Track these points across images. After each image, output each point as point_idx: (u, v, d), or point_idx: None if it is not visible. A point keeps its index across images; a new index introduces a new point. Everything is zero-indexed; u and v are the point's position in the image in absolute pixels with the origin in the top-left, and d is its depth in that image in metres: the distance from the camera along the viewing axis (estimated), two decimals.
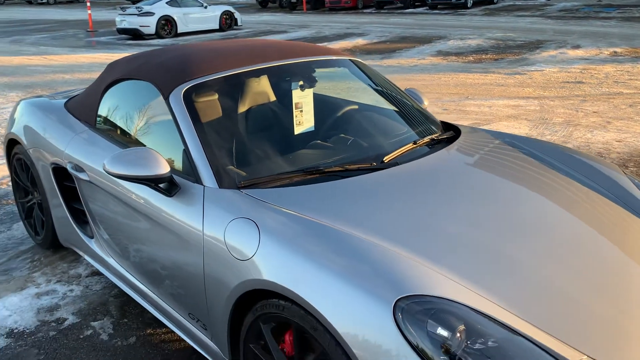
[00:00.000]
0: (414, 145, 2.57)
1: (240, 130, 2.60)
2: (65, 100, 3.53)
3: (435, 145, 2.66)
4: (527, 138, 2.96)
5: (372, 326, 1.58)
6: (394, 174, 2.31)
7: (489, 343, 1.53)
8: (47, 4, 40.40)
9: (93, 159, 2.80)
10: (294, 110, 2.63)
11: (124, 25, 17.65)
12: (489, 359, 1.50)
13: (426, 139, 2.67)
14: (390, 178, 2.28)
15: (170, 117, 2.46)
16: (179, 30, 18.25)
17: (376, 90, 3.09)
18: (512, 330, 1.58)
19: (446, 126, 3.00)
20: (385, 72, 9.58)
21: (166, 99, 2.50)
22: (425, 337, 1.53)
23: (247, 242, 1.93)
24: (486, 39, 14.17)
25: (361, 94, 3.10)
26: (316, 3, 28.59)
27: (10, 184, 4.77)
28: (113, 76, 3.03)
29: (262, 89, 2.83)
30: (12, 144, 3.65)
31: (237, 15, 20.04)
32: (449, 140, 2.73)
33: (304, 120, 2.64)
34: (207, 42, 3.19)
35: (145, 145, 2.62)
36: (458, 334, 1.53)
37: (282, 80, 2.87)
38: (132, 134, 2.79)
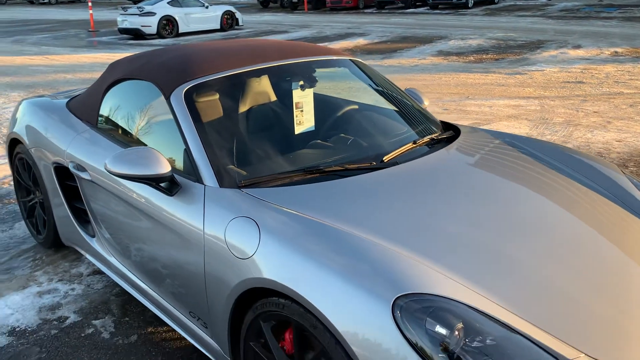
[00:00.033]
0: (414, 145, 2.59)
1: (240, 130, 2.61)
2: (67, 100, 3.54)
3: (435, 145, 2.67)
4: (526, 138, 2.97)
5: (371, 324, 1.59)
6: (393, 174, 2.32)
7: (487, 341, 1.54)
8: (49, 4, 40.46)
9: (95, 159, 2.81)
10: (294, 110, 2.64)
11: (126, 25, 17.67)
12: (487, 356, 1.51)
13: (426, 139, 2.68)
14: (390, 177, 2.29)
15: (171, 116, 2.47)
16: (180, 30, 18.27)
17: (376, 90, 3.10)
18: (511, 328, 1.59)
19: (446, 126, 3.01)
20: (386, 72, 9.59)
21: (167, 98, 2.51)
22: (424, 335, 1.54)
23: (248, 240, 1.94)
24: (487, 39, 14.17)
25: (361, 93, 3.12)
26: (317, 3, 28.60)
27: (12, 183, 4.79)
28: (114, 76, 3.05)
29: (262, 88, 2.85)
30: (14, 143, 3.67)
31: (238, 15, 20.06)
32: (449, 140, 2.74)
33: (304, 120, 2.65)
34: (208, 42, 3.20)
35: (146, 145, 2.63)
36: (456, 332, 1.54)
37: (282, 80, 2.88)
38: (134, 133, 2.80)
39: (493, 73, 9.72)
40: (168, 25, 17.98)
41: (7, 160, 4.35)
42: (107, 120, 3.03)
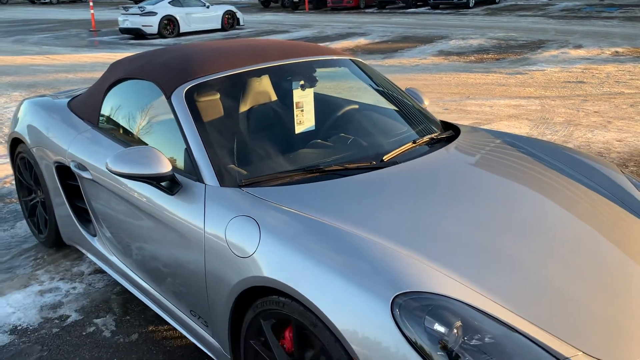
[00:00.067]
0: (414, 145, 2.59)
1: (241, 130, 2.62)
2: (68, 99, 3.55)
3: (434, 144, 2.68)
4: (526, 137, 2.98)
5: (371, 323, 1.60)
6: (393, 173, 2.33)
7: (486, 339, 1.55)
8: (50, 3, 40.49)
9: (96, 158, 2.82)
10: (294, 109, 2.65)
11: (127, 24, 17.68)
12: (485, 355, 1.52)
13: (425, 138, 2.69)
14: (389, 177, 2.30)
15: (172, 116, 2.49)
16: (182, 30, 18.29)
17: (376, 89, 3.11)
18: (509, 326, 1.59)
19: (446, 125, 3.02)
20: (387, 72, 9.59)
21: (168, 98, 2.52)
22: (423, 333, 1.55)
23: (248, 239, 1.95)
24: (488, 39, 14.17)
25: (362, 93, 3.12)
26: (318, 3, 28.59)
27: (13, 182, 4.81)
28: (116, 76, 3.06)
29: (263, 88, 2.86)
30: (15, 143, 3.68)
31: (239, 15, 20.07)
32: (449, 140, 2.74)
33: (304, 120, 2.66)
34: (209, 42, 3.21)
35: (147, 144, 2.64)
36: (455, 330, 1.55)
37: (283, 80, 2.89)
38: (135, 133, 2.81)
39: (494, 73, 9.72)
40: (169, 25, 17.99)
41: (8, 160, 4.36)
42: (108, 119, 3.04)
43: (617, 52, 11.48)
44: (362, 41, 14.91)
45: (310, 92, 2.75)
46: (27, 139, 3.44)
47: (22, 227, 4.06)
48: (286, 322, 1.89)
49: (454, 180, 2.33)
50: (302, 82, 2.73)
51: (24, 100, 3.77)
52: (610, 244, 2.09)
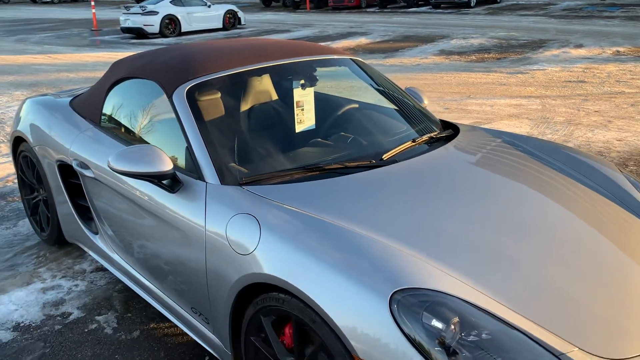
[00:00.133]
0: (413, 144, 2.61)
1: (242, 128, 2.64)
2: (70, 98, 3.57)
3: (434, 143, 2.69)
4: (525, 136, 2.99)
5: (370, 319, 1.62)
6: (392, 172, 2.34)
7: (483, 335, 1.56)
8: (52, 3, 40.52)
9: (98, 156, 2.84)
10: (295, 108, 2.67)
11: (128, 24, 17.71)
12: (483, 350, 1.53)
13: (425, 137, 2.70)
14: (389, 175, 2.31)
15: (173, 115, 2.50)
16: (183, 29, 18.30)
17: (377, 89, 3.13)
18: (506, 323, 1.61)
19: (445, 124, 3.03)
20: (388, 71, 9.61)
21: (169, 97, 2.54)
22: (421, 329, 1.56)
23: (248, 237, 1.97)
24: (489, 38, 14.18)
25: (362, 92, 3.14)
26: (319, 2, 28.59)
27: (16, 181, 4.83)
28: (117, 75, 3.08)
29: (264, 87, 2.87)
30: (18, 141, 3.70)
31: (240, 14, 20.08)
32: (448, 139, 2.76)
33: (305, 119, 2.67)
34: (210, 41, 3.23)
35: (149, 143, 2.66)
36: (452, 326, 1.57)
37: (283, 79, 2.90)
38: (136, 131, 2.83)
39: (495, 72, 9.73)
40: (170, 25, 18.01)
41: (11, 159, 4.38)
42: (110, 118, 3.06)
43: (618, 51, 11.48)
44: (363, 40, 14.92)
45: (310, 91, 2.77)
46: (29, 137, 3.47)
47: (25, 225, 4.08)
48: (286, 319, 1.91)
49: (454, 178, 2.35)
50: (302, 82, 2.74)
51: (26, 99, 3.79)
52: (610, 243, 2.10)
